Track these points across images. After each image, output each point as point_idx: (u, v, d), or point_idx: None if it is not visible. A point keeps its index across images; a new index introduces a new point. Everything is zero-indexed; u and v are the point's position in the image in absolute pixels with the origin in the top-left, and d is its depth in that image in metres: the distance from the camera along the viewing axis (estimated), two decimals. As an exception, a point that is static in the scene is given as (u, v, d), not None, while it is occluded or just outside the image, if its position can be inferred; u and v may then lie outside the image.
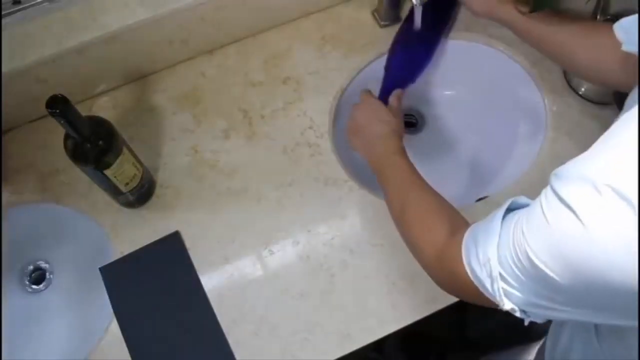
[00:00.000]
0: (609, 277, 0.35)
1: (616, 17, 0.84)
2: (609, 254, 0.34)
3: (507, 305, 0.46)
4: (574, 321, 0.48)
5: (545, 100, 0.87)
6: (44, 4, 0.79)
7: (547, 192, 0.40)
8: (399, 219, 0.66)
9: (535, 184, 0.80)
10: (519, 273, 0.43)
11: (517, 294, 0.44)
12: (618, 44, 0.51)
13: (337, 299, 0.76)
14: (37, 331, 0.81)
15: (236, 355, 0.73)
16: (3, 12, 0.77)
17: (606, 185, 0.34)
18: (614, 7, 0.85)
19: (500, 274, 0.45)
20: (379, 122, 0.76)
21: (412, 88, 0.88)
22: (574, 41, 0.68)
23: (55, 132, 0.68)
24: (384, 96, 0.84)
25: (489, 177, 0.95)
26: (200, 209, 0.82)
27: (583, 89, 0.86)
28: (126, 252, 0.80)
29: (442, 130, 1.01)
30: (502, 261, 0.44)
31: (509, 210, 0.48)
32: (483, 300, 0.49)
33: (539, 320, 0.47)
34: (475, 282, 0.49)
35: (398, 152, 0.72)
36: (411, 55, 0.87)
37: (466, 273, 0.50)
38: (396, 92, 0.83)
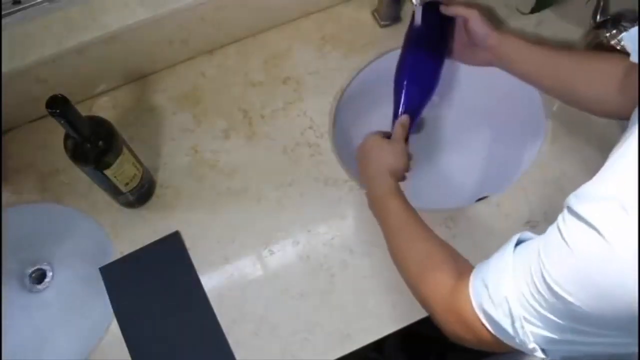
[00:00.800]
0: (636, 295, 0.34)
1: (616, 18, 0.84)
2: (636, 271, 0.34)
3: (530, 344, 0.43)
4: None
5: (545, 102, 0.87)
6: (44, 4, 0.79)
7: (564, 217, 0.39)
8: (397, 264, 0.65)
9: (535, 184, 0.80)
10: (539, 308, 0.41)
11: (538, 331, 0.42)
12: (615, 71, 0.51)
13: (337, 299, 0.76)
14: (37, 331, 0.81)
15: (236, 355, 0.73)
16: (3, 12, 0.77)
17: (632, 202, 0.34)
18: (613, 8, 0.85)
19: (523, 316, 0.42)
20: (373, 160, 0.73)
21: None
22: (572, 77, 0.67)
23: (55, 132, 0.68)
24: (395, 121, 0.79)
25: (489, 177, 0.95)
26: (200, 209, 0.82)
27: (583, 89, 0.86)
28: (126, 252, 0.80)
29: (442, 130, 1.01)
30: (520, 298, 0.42)
31: (517, 244, 0.46)
32: (501, 346, 0.47)
33: (557, 359, 0.45)
34: (490, 327, 0.46)
35: (390, 193, 0.68)
36: (420, 76, 0.81)
37: (479, 319, 0.47)
38: (401, 121, 0.77)
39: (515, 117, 0.95)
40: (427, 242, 0.62)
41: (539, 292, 0.40)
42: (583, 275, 0.37)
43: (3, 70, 0.77)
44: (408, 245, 0.63)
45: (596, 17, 0.86)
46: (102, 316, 0.76)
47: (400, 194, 0.68)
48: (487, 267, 0.47)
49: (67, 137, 0.69)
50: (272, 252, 0.79)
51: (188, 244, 0.80)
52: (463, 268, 0.55)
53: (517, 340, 0.44)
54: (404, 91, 0.79)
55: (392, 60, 0.85)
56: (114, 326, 0.76)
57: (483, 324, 0.47)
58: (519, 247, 0.45)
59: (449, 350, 1.29)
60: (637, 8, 0.83)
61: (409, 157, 0.74)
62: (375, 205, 0.71)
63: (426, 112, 1.01)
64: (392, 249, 0.66)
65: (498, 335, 0.46)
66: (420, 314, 0.74)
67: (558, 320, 0.40)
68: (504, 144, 0.96)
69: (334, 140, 0.87)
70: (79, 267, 0.85)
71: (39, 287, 0.85)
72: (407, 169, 0.74)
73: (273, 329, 0.75)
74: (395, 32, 0.93)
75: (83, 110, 0.67)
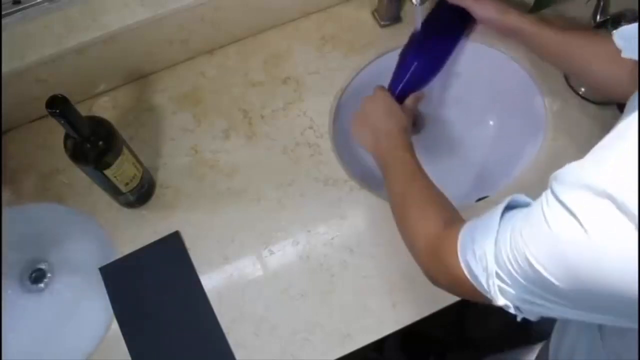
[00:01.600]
0: (608, 283, 0.35)
1: (616, 18, 0.84)
2: (610, 262, 0.34)
3: (500, 301, 0.46)
4: (574, 320, 0.48)
5: (545, 100, 0.87)
6: (44, 4, 0.79)
7: (548, 196, 0.40)
8: (398, 210, 0.67)
9: (535, 184, 0.80)
10: (515, 273, 0.43)
11: (512, 291, 0.44)
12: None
13: (337, 299, 0.76)
14: (37, 331, 0.81)
15: (236, 355, 0.73)
16: (3, 12, 0.77)
17: (607, 194, 0.34)
18: (613, 8, 0.85)
19: (496, 271, 0.45)
20: (389, 117, 0.76)
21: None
22: (588, 50, 0.68)
23: (55, 132, 0.68)
24: (399, 95, 0.82)
25: (489, 177, 0.95)
26: (200, 209, 0.82)
27: (583, 89, 0.86)
28: (126, 252, 0.80)
29: (442, 130, 1.01)
30: (498, 259, 0.44)
31: (508, 207, 0.48)
32: (475, 295, 0.49)
33: (532, 318, 0.47)
34: (470, 277, 0.49)
35: (405, 148, 0.72)
36: (431, 54, 0.84)
37: (460, 267, 0.50)
38: (417, 94, 0.81)
39: (516, 117, 0.95)
40: (433, 191, 0.65)
41: (517, 260, 0.42)
42: (558, 254, 0.38)
43: (3, 70, 0.77)
44: (415, 189, 0.66)
45: (596, 17, 0.86)
46: (102, 316, 0.76)
47: (412, 151, 0.72)
48: (476, 225, 0.50)
49: (67, 137, 0.69)
50: (272, 252, 0.79)
51: (188, 244, 0.80)
52: (457, 219, 0.58)
53: (492, 294, 0.46)
54: (410, 67, 0.82)
55: (392, 60, 0.85)
56: (114, 326, 0.76)
57: (464, 273, 0.50)
58: (508, 212, 0.47)
59: (449, 350, 1.30)
60: (637, 8, 0.83)
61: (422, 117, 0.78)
62: (387, 156, 0.72)
63: (426, 112, 1.01)
64: (396, 193, 0.68)
65: (477, 287, 0.49)
66: (420, 314, 0.74)
67: (530, 286, 0.42)
68: (504, 143, 0.96)
69: (334, 140, 0.87)
70: (78, 267, 0.84)
71: (39, 287, 0.85)
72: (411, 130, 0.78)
73: (273, 329, 0.75)
74: (395, 32, 0.93)
75: (83, 110, 0.67)
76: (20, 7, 0.78)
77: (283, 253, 0.79)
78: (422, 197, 0.65)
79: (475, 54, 0.93)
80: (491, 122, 0.99)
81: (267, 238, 0.80)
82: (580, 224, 0.35)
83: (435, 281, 0.58)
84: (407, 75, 0.82)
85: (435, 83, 0.99)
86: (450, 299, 0.73)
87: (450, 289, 0.57)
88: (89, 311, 0.80)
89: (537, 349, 0.90)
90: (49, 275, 0.85)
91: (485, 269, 0.46)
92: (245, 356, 0.73)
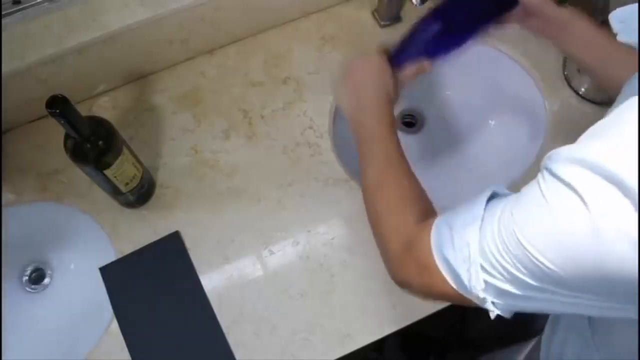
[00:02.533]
0: (605, 260, 0.34)
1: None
2: (608, 238, 0.33)
3: (480, 293, 0.43)
4: (559, 313, 0.46)
5: (545, 101, 0.87)
6: (44, 4, 0.79)
7: (544, 175, 0.38)
8: (369, 196, 0.62)
9: (535, 184, 0.80)
10: (502, 260, 0.40)
11: (493, 281, 0.42)
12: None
13: (337, 299, 0.76)
14: (36, 331, 0.81)
15: (236, 355, 0.73)
16: (3, 12, 0.77)
17: (601, 169, 0.33)
18: (613, 7, 0.85)
19: (480, 262, 0.42)
20: (378, 83, 0.67)
21: (412, 88, 0.87)
22: (621, 57, 0.62)
23: (55, 132, 0.68)
24: (399, 59, 0.72)
25: (489, 177, 0.95)
26: (200, 209, 0.82)
27: (583, 89, 0.86)
28: (126, 252, 0.80)
29: (442, 130, 1.01)
30: (483, 247, 0.42)
31: (490, 198, 0.46)
32: (449, 294, 0.47)
33: (506, 315, 0.45)
34: (444, 272, 0.46)
35: (388, 124, 0.65)
36: (451, 24, 0.71)
37: (435, 263, 0.47)
38: (421, 66, 0.69)
39: (516, 117, 0.95)
40: (410, 182, 0.60)
41: (505, 245, 0.40)
42: (557, 237, 0.36)
43: (3, 70, 0.77)
44: (392, 177, 0.61)
45: (596, 16, 0.86)
46: (102, 316, 0.76)
47: (394, 128, 0.65)
48: (456, 214, 0.47)
49: (67, 137, 0.69)
50: (272, 252, 0.79)
51: (188, 244, 0.80)
52: (428, 211, 0.55)
53: (469, 288, 0.44)
54: (422, 30, 0.71)
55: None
56: (114, 326, 0.76)
57: (438, 268, 0.47)
58: (492, 201, 0.45)
59: (449, 350, 1.30)
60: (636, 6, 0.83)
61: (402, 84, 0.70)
62: (368, 130, 0.65)
63: (426, 112, 1.01)
64: (370, 177, 0.62)
65: (451, 282, 0.46)
66: (420, 314, 0.74)
67: (519, 275, 0.40)
68: (504, 143, 0.96)
69: (334, 140, 0.87)
70: (78, 267, 0.85)
71: (39, 287, 0.85)
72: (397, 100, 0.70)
73: (273, 329, 0.75)
74: (395, 32, 0.93)
75: (83, 110, 0.67)
76: (20, 7, 0.78)
77: (283, 253, 0.79)
78: (400, 190, 0.59)
79: (475, 55, 0.93)
80: (491, 122, 0.99)
81: (267, 238, 0.80)
82: (579, 196, 0.34)
83: (405, 281, 0.54)
84: (415, 39, 0.71)
85: (435, 84, 0.99)
86: (450, 299, 0.73)
87: (421, 289, 0.52)
88: (89, 311, 0.80)
89: (530, 345, 0.90)
90: (48, 275, 0.85)
91: (467, 259, 0.43)
92: (245, 356, 0.73)
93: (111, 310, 0.76)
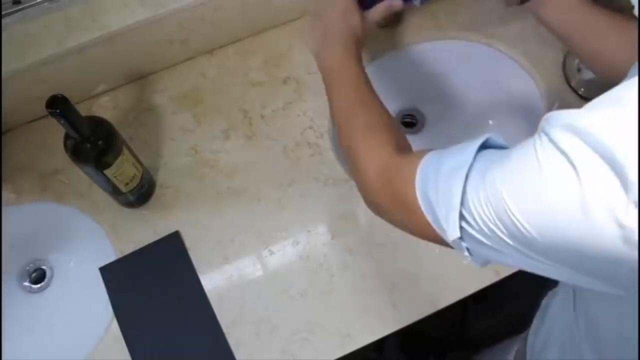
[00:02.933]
0: (583, 237, 0.33)
1: (617, 12, 0.84)
2: (593, 217, 0.32)
3: (456, 236, 0.43)
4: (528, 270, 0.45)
5: (545, 100, 0.87)
6: (44, 4, 0.79)
7: (541, 138, 0.37)
8: (343, 125, 0.61)
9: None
10: (482, 213, 0.39)
11: (471, 231, 0.41)
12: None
13: (337, 299, 0.76)
14: (37, 331, 0.81)
15: (236, 355, 0.73)
16: (3, 12, 0.77)
17: (601, 147, 0.31)
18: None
19: (460, 210, 0.41)
20: (344, 19, 0.67)
21: (412, 88, 0.88)
22: (603, 41, 0.62)
23: (55, 132, 0.68)
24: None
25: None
26: (200, 209, 0.82)
27: (583, 89, 0.86)
28: (126, 252, 0.80)
29: (442, 130, 1.01)
30: (466, 195, 0.41)
31: (484, 147, 0.44)
32: (424, 229, 0.46)
33: (478, 264, 0.45)
34: (424, 209, 0.46)
35: (357, 60, 0.64)
36: None
37: (415, 197, 0.47)
38: (391, 2, 0.69)
39: (515, 117, 0.95)
40: (382, 110, 0.61)
41: (488, 200, 0.39)
42: (544, 203, 0.35)
43: (3, 70, 0.77)
44: (363, 107, 0.61)
45: None
46: (102, 316, 0.76)
47: (361, 62, 0.66)
48: (445, 156, 0.46)
49: (67, 137, 0.69)
50: (272, 252, 0.79)
51: (188, 244, 0.80)
52: (402, 142, 0.55)
53: (446, 232, 0.43)
54: None
55: (392, 61, 0.85)
56: (114, 326, 0.76)
57: (420, 207, 0.46)
58: (485, 151, 0.44)
59: (449, 350, 1.30)
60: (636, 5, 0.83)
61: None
62: (335, 64, 0.65)
63: (426, 112, 1.01)
64: (341, 108, 0.62)
65: (431, 222, 0.46)
66: (420, 314, 0.74)
67: (497, 232, 0.39)
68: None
69: (334, 140, 0.87)
70: (78, 267, 0.84)
71: (39, 287, 0.85)
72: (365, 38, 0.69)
73: (273, 329, 0.75)
74: (395, 32, 0.93)
75: (83, 110, 0.67)
76: (20, 7, 0.78)
77: (283, 253, 0.79)
78: (373, 117, 0.59)
79: (475, 54, 0.93)
80: (491, 122, 0.99)
81: (267, 238, 0.80)
82: (575, 169, 0.33)
83: (381, 210, 0.54)
84: None
85: (435, 83, 0.99)
86: (451, 298, 0.73)
87: (397, 220, 0.52)
88: (89, 311, 0.80)
89: (520, 338, 0.90)
90: (49, 275, 0.85)
91: (447, 203, 0.42)
92: (245, 356, 0.73)
93: (111, 310, 0.76)
